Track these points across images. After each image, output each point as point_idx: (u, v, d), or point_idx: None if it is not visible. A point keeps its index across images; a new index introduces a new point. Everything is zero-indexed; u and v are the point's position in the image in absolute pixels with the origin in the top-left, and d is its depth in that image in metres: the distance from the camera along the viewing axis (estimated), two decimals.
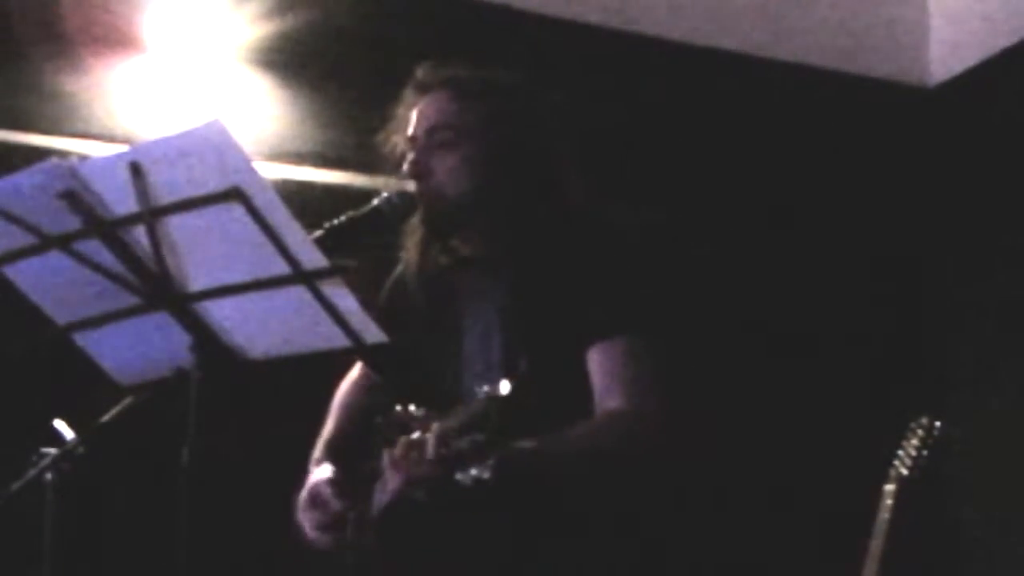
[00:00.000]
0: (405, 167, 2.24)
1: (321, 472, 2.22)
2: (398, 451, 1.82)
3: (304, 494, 2.21)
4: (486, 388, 1.69)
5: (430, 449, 1.71)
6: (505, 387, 1.67)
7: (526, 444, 1.80)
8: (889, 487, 2.98)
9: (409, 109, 2.29)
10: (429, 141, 2.22)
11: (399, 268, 2.39)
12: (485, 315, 2.22)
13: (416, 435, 1.77)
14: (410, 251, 2.31)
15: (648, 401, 2.06)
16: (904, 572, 2.97)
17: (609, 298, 2.11)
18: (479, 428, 1.66)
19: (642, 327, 2.11)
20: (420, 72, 2.31)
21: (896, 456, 3.01)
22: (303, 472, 2.31)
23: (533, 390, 1.73)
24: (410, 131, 2.26)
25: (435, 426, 1.70)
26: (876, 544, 2.94)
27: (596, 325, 2.10)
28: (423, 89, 2.29)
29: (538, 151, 2.24)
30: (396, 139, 2.32)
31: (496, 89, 2.27)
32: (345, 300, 1.80)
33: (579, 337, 2.10)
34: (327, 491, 2.16)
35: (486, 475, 1.65)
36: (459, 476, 1.67)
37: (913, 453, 2.99)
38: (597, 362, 2.09)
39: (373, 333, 1.84)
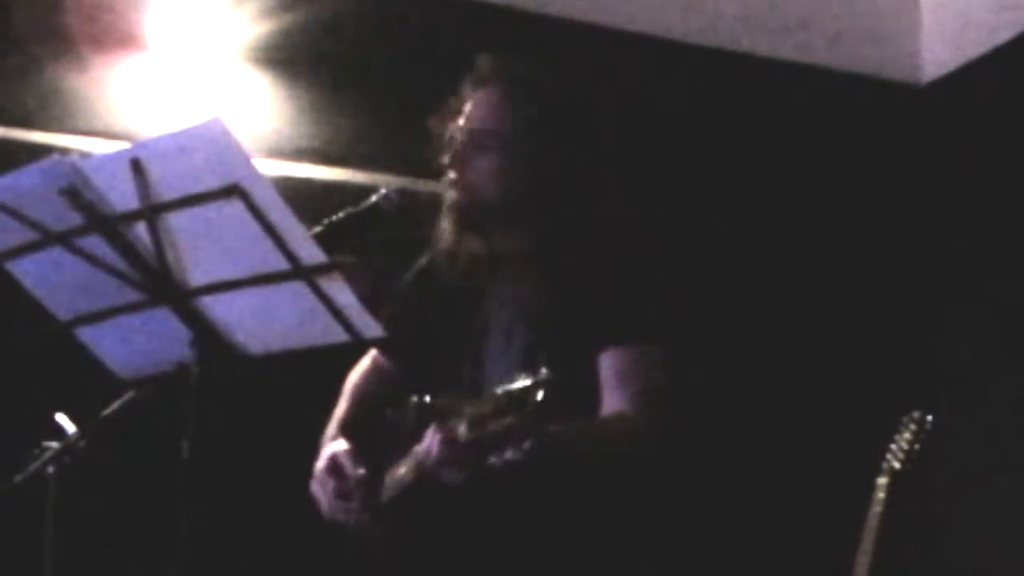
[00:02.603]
0: (446, 158, 2.27)
1: (338, 444, 2.24)
2: (429, 432, 1.84)
3: (321, 464, 2.23)
4: (522, 374, 1.71)
5: (462, 431, 1.72)
6: (543, 373, 1.69)
7: (554, 430, 1.82)
8: (882, 480, 3.00)
9: (465, 100, 2.31)
10: (473, 140, 2.25)
11: (426, 256, 2.41)
12: (510, 312, 2.25)
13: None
14: (444, 241, 2.33)
15: (652, 409, 2.11)
16: (896, 564, 2.99)
17: (626, 306, 2.16)
18: (514, 412, 1.68)
19: (655, 338, 2.17)
20: (479, 63, 2.32)
21: (888, 450, 3.03)
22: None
23: (562, 382, 1.76)
24: (461, 122, 2.29)
25: (467, 409, 1.72)
26: (869, 536, 2.95)
27: (613, 331, 2.14)
28: (478, 82, 2.30)
29: (582, 159, 2.26)
30: (450, 128, 2.33)
31: (546, 94, 2.29)
32: (344, 295, 1.81)
33: (596, 341, 2.15)
34: (346, 460, 2.18)
35: (520, 458, 1.67)
36: (493, 459, 1.69)
37: (905, 447, 3.01)
38: (609, 366, 2.14)
39: (371, 328, 1.85)
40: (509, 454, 1.68)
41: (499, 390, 1.72)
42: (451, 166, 2.25)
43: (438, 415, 1.82)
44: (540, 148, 2.23)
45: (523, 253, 2.27)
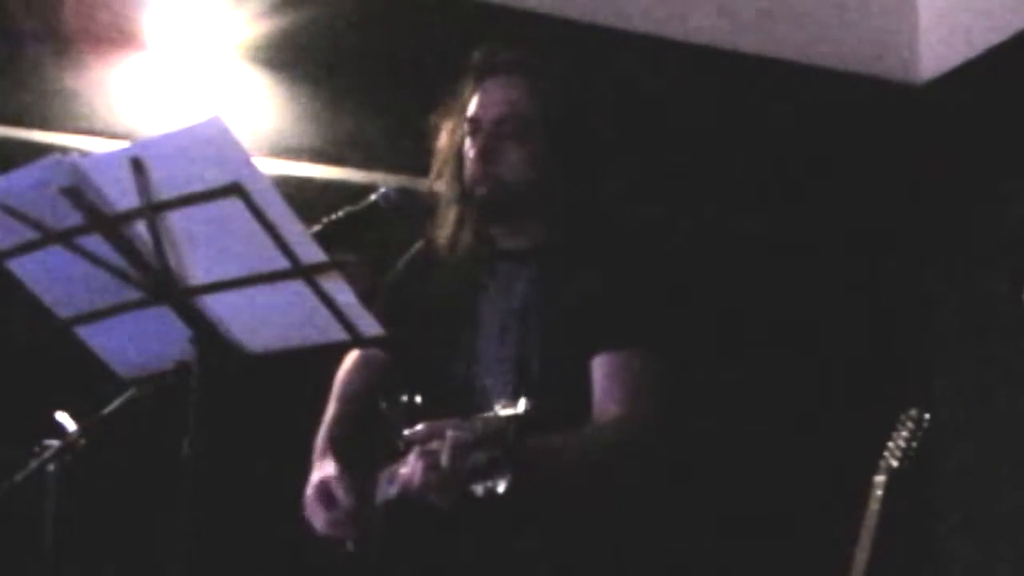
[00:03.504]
0: (470, 151, 2.24)
1: (327, 468, 2.22)
2: (412, 457, 1.85)
3: (312, 490, 2.21)
4: (504, 402, 1.71)
5: (444, 459, 1.73)
6: (523, 405, 1.69)
7: (532, 448, 1.79)
8: (879, 478, 3.01)
9: (472, 91, 2.28)
10: (497, 129, 2.22)
11: (417, 247, 2.41)
12: (504, 312, 2.24)
13: (433, 443, 1.80)
14: (442, 236, 2.32)
15: (647, 412, 2.10)
16: (894, 562, 2.99)
17: (621, 310, 2.15)
18: (496, 444, 1.68)
19: (646, 341, 2.15)
20: (480, 55, 2.29)
21: (886, 447, 3.04)
22: (302, 464, 2.33)
23: (547, 398, 1.76)
24: (471, 111, 2.26)
25: (450, 435, 1.72)
26: (866, 534, 2.96)
27: (606, 335, 2.13)
28: (486, 71, 2.27)
29: (595, 150, 2.27)
30: (452, 119, 2.32)
31: (563, 81, 2.28)
32: (343, 294, 1.81)
33: (590, 343, 2.14)
34: (338, 489, 2.15)
35: (499, 488, 1.67)
36: (473, 487, 1.70)
37: (903, 444, 3.02)
38: (603, 369, 2.12)
39: (370, 326, 1.85)
40: (489, 483, 1.68)
41: (480, 420, 1.72)
42: (480, 159, 2.21)
43: (421, 439, 1.83)
44: (567, 134, 2.22)
45: (521, 251, 2.27)
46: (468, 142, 2.27)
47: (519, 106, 2.22)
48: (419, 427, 1.82)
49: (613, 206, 2.29)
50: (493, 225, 2.27)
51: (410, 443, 1.85)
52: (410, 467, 1.88)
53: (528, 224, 2.25)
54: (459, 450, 1.70)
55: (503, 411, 1.70)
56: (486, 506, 1.74)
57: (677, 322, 2.22)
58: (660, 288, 2.21)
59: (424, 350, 2.28)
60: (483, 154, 2.21)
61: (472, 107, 2.26)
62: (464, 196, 2.27)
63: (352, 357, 2.47)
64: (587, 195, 2.24)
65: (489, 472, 1.68)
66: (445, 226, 2.31)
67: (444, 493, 1.82)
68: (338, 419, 2.39)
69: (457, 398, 2.02)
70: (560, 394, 2.01)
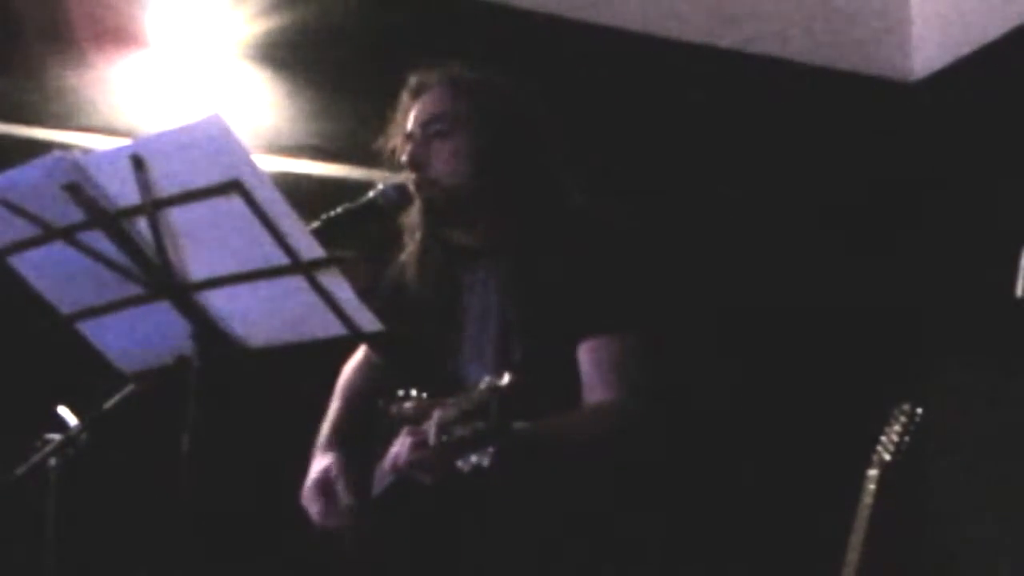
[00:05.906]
0: (403, 159, 2.27)
1: (329, 460, 2.24)
2: (401, 436, 1.87)
3: (312, 480, 2.24)
4: (487, 378, 1.72)
5: (431, 435, 1.74)
6: (506, 378, 1.70)
7: (522, 428, 1.82)
8: (872, 472, 3.02)
9: (407, 111, 2.32)
10: (425, 132, 2.25)
11: (400, 257, 2.42)
12: (483, 304, 2.25)
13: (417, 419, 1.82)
14: (411, 243, 2.34)
15: (635, 396, 2.10)
16: (887, 555, 3.01)
17: (604, 294, 2.14)
18: (480, 417, 1.69)
19: (634, 325, 2.15)
20: (415, 76, 2.34)
21: (879, 442, 3.05)
22: (302, 459, 2.34)
23: (531, 380, 1.76)
24: (408, 127, 2.29)
25: (436, 413, 1.74)
26: (859, 527, 2.97)
27: (590, 320, 2.13)
28: (419, 91, 2.32)
29: (530, 143, 2.27)
30: (394, 139, 2.35)
31: (488, 84, 2.30)
32: (342, 290, 1.83)
33: (573, 330, 2.14)
34: (338, 483, 2.18)
35: (485, 463, 1.69)
36: (459, 463, 1.71)
37: (895, 439, 3.03)
38: (588, 356, 2.12)
39: (369, 321, 1.87)
40: (474, 459, 1.70)
41: (464, 396, 1.74)
42: (409, 164, 2.24)
43: (409, 418, 1.84)
44: (490, 131, 2.24)
45: (492, 244, 2.27)
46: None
47: (443, 107, 2.26)
48: (407, 405, 1.84)
49: (580, 196, 2.29)
50: (445, 226, 2.29)
51: (399, 422, 1.86)
52: (397, 446, 1.90)
53: (483, 220, 2.26)
54: (445, 426, 1.72)
55: (488, 385, 1.71)
56: (479, 486, 1.76)
57: (664, 307, 2.23)
58: (644, 275, 2.21)
59: (412, 352, 2.29)
60: (412, 160, 2.24)
61: (408, 125, 2.30)
62: (419, 207, 2.29)
63: (356, 357, 2.50)
64: (535, 185, 2.24)
65: (474, 445, 1.69)
66: (412, 238, 2.33)
67: (432, 470, 1.84)
68: (340, 417, 2.41)
69: (448, 392, 2.04)
70: (544, 377, 2.01)
